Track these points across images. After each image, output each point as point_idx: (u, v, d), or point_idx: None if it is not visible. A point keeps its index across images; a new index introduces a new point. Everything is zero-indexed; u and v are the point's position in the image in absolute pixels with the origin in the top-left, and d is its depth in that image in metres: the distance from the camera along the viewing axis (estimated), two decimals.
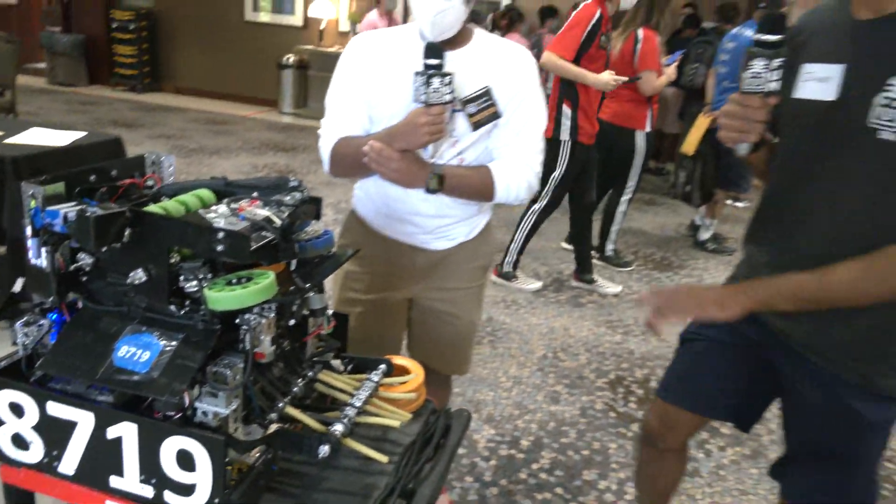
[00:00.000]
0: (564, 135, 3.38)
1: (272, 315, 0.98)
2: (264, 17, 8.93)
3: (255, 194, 1.09)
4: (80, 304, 1.01)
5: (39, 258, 0.96)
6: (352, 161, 1.48)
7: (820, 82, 1.12)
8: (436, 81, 1.34)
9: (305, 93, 8.74)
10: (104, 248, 0.93)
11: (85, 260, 0.98)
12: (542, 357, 2.99)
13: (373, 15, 6.17)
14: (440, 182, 1.43)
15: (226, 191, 1.16)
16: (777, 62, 1.05)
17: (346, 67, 1.52)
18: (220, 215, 1.04)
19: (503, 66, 1.48)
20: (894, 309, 1.12)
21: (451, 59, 1.41)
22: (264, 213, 1.02)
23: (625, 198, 3.98)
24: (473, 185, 1.50)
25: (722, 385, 1.43)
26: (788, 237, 1.22)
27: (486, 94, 1.44)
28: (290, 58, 8.44)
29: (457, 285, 1.68)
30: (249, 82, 9.08)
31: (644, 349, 3.15)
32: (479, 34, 1.53)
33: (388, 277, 1.64)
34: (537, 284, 3.76)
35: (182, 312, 0.96)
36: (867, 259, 1.05)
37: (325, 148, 1.54)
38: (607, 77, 3.25)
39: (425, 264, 1.63)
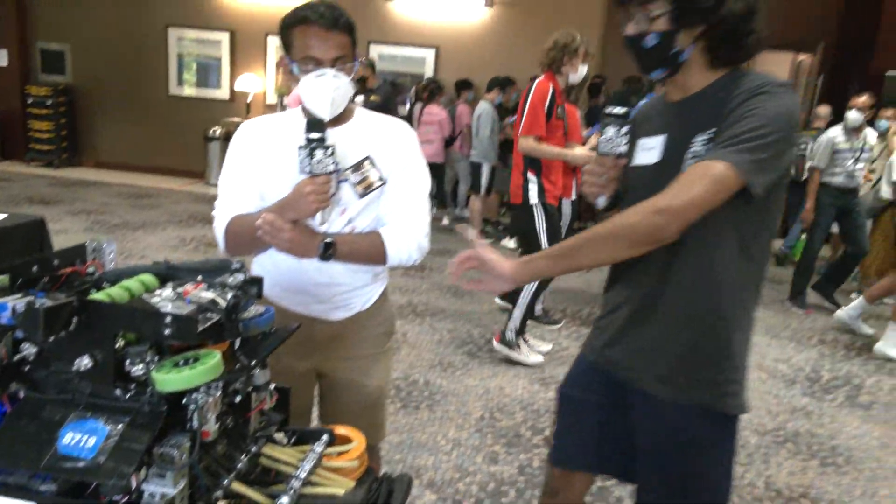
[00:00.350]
0: (534, 199, 3.59)
1: (218, 393, 1.03)
2: (189, 91, 8.97)
3: (199, 277, 1.15)
4: (21, 394, 1.02)
5: None
6: (245, 237, 1.54)
7: (648, 151, 1.37)
8: (319, 153, 1.44)
9: None
10: (49, 339, 0.96)
11: (28, 350, 1.00)
12: (480, 418, 3.05)
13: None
14: (332, 248, 1.50)
15: (168, 274, 1.22)
16: (625, 129, 1.33)
17: (235, 152, 1.60)
18: (164, 299, 1.08)
19: (384, 137, 1.60)
20: (712, 329, 1.29)
21: (335, 134, 1.52)
22: (209, 295, 1.08)
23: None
24: (364, 250, 1.58)
25: (596, 442, 1.50)
26: (634, 277, 1.40)
27: (368, 161, 1.55)
28: (217, 130, 8.47)
29: (361, 353, 1.72)
30: (175, 155, 9.01)
31: None
32: (360, 112, 1.65)
33: (290, 349, 1.60)
34: (539, 357, 3.78)
35: (128, 396, 0.99)
36: (593, 231, 1.27)
37: (220, 228, 1.60)
38: (582, 153, 3.51)
39: (326, 335, 1.68)
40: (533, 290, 3.67)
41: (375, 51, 8.10)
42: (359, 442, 1.29)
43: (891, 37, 7.33)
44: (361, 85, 6.60)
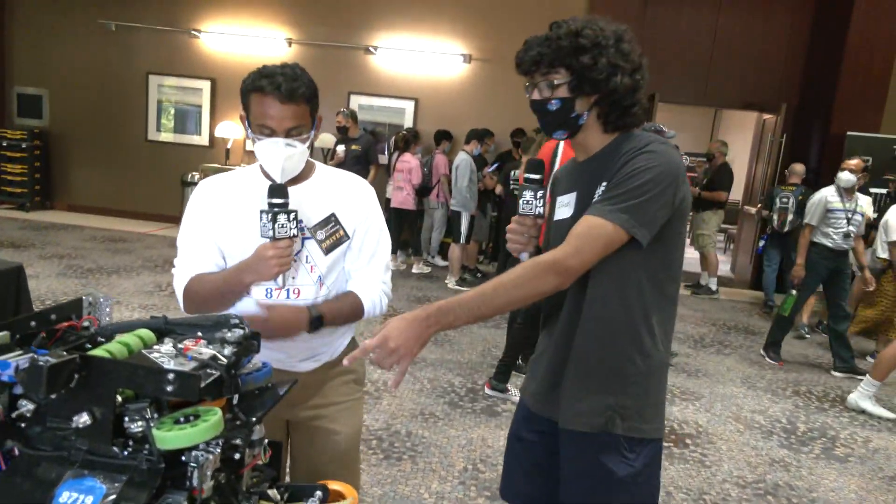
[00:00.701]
0: None
1: (218, 451, 1.02)
2: (168, 136, 8.99)
3: (199, 333, 1.15)
4: (16, 452, 1.00)
5: None
6: (205, 296, 1.56)
7: (564, 207, 1.52)
8: (282, 218, 1.45)
9: None
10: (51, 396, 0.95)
11: (26, 407, 0.99)
12: (463, 469, 3.02)
13: None
14: (321, 320, 1.54)
15: (166, 329, 1.21)
16: (540, 193, 1.47)
17: (194, 210, 1.61)
18: (164, 355, 1.08)
19: (345, 194, 1.63)
20: (624, 360, 1.41)
21: (297, 192, 1.54)
22: (210, 351, 1.08)
23: None
24: (346, 312, 1.63)
25: (536, 478, 1.60)
26: (552, 322, 1.53)
27: (332, 219, 1.59)
28: (196, 175, 8.47)
29: (331, 401, 1.72)
30: (150, 199, 8.95)
31: None
32: (320, 169, 1.67)
33: None
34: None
35: (125, 453, 0.98)
36: (514, 269, 1.35)
37: (179, 287, 1.59)
38: None
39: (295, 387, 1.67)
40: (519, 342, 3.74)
41: (356, 101, 8.25)
42: (352, 499, 1.28)
43: (848, 100, 7.72)
44: (343, 134, 6.71)
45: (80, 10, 8.71)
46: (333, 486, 1.30)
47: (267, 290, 1.58)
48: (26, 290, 2.92)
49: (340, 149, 6.84)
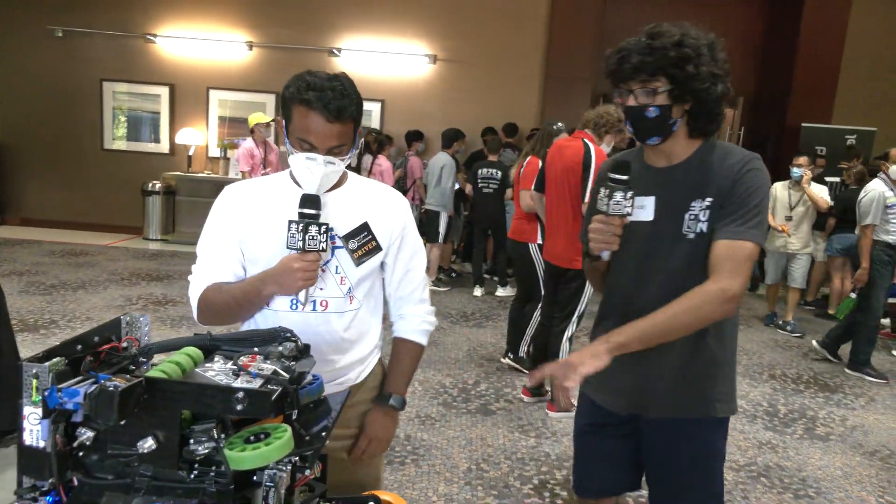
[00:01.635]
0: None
1: (289, 468, 0.99)
2: (125, 145, 8.71)
3: (255, 350, 1.12)
4: (75, 482, 0.95)
5: (41, 440, 0.92)
6: (221, 306, 1.47)
7: (641, 209, 1.54)
8: (313, 229, 1.37)
9: (174, 218, 8.50)
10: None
11: (86, 434, 0.95)
12: (467, 470, 3.02)
13: (248, 143, 6.28)
14: (404, 402, 1.60)
15: (211, 345, 1.18)
16: (630, 194, 1.46)
17: (217, 216, 1.52)
18: (219, 373, 1.05)
19: (380, 205, 1.56)
20: (714, 349, 1.54)
21: (329, 199, 1.48)
22: (270, 366, 1.05)
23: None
24: (413, 367, 1.67)
25: (612, 469, 1.73)
26: (638, 316, 1.52)
27: (365, 228, 1.51)
28: (157, 184, 8.24)
29: (350, 431, 1.62)
30: (110, 211, 8.67)
31: (558, 450, 3.29)
32: (353, 178, 1.60)
33: None
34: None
35: (192, 476, 0.95)
36: (682, 299, 1.42)
37: (194, 295, 1.50)
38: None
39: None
40: (568, 353, 3.68)
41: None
42: None
43: (802, 94, 8.02)
44: None
45: (28, 16, 8.36)
46: (385, 496, 1.29)
47: (292, 300, 1.50)
48: (6, 313, 2.79)
49: None
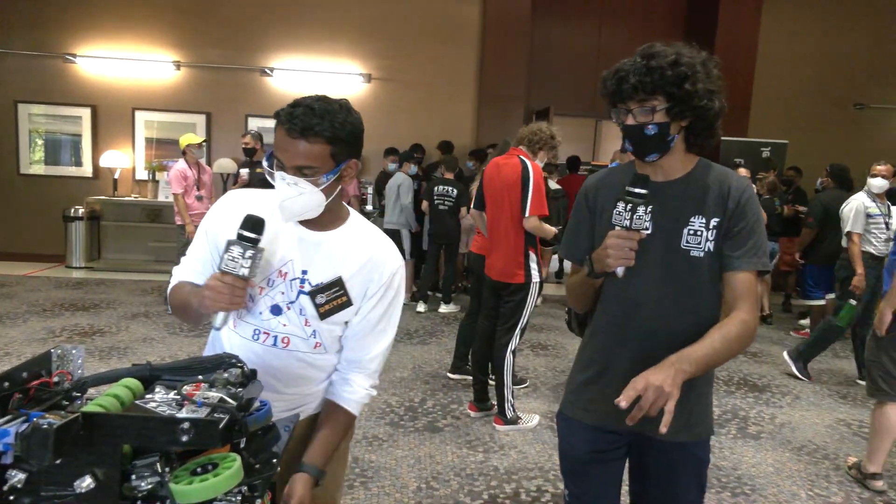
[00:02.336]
0: (536, 277, 3.67)
1: (239, 499, 0.96)
2: (44, 169, 8.27)
3: (199, 378, 1.08)
4: None
5: None
6: (176, 304, 1.49)
7: None
8: (235, 250, 1.28)
9: (98, 245, 8.12)
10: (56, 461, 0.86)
11: (17, 477, 0.89)
12: (417, 489, 2.99)
13: (181, 164, 6.09)
14: (321, 476, 1.44)
15: (151, 376, 1.13)
16: (650, 208, 1.47)
17: (208, 218, 1.53)
18: (161, 403, 1.01)
19: (368, 257, 1.48)
20: (710, 375, 1.60)
21: (321, 239, 1.44)
22: (216, 394, 1.02)
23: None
24: (341, 440, 1.54)
25: (618, 490, 1.72)
26: (634, 335, 1.57)
27: (337, 284, 1.44)
28: (80, 209, 7.86)
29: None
30: (30, 238, 8.20)
31: (507, 463, 3.31)
32: (354, 219, 1.53)
33: None
34: (536, 417, 3.88)
35: None
36: (725, 328, 1.45)
37: (169, 288, 1.54)
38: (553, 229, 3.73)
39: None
40: (512, 365, 3.73)
41: (254, 123, 8.00)
42: None
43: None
44: (250, 157, 6.49)
45: None
46: None
47: (255, 330, 1.46)
48: None
49: (244, 172, 6.61)
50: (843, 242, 5.05)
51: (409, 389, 4.30)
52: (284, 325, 1.45)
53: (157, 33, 8.13)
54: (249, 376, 1.12)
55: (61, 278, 7.34)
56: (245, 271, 1.28)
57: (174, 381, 1.10)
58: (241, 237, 1.30)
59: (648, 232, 1.49)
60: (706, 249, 1.51)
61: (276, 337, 1.46)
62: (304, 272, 1.44)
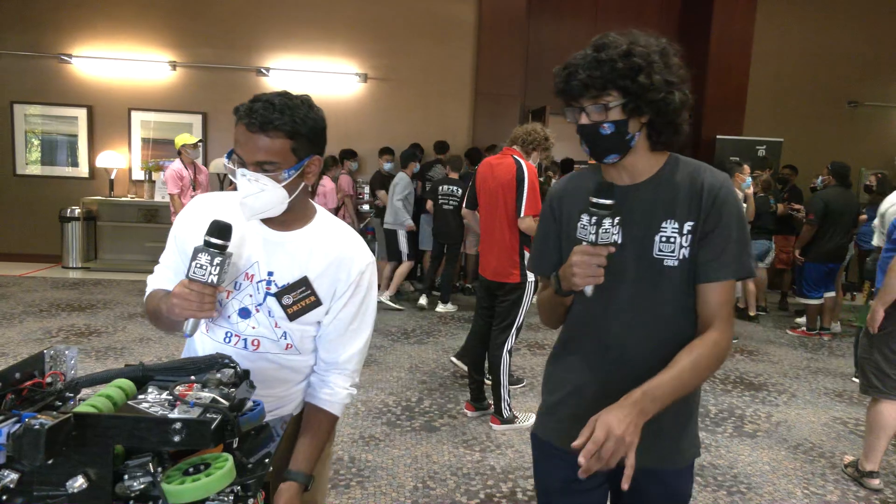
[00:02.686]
0: (531, 276, 3.66)
1: (232, 499, 0.97)
2: (40, 170, 8.25)
3: (192, 378, 1.08)
4: None
5: None
6: (150, 312, 1.48)
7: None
8: (203, 257, 1.26)
9: (95, 245, 8.12)
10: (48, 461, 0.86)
11: (9, 477, 0.89)
12: (413, 489, 2.99)
13: (176, 164, 6.09)
14: (311, 479, 1.43)
15: (144, 376, 1.13)
16: (617, 220, 1.31)
17: (176, 223, 1.51)
18: (154, 404, 1.02)
19: (336, 255, 1.46)
20: (694, 396, 1.46)
21: (285, 240, 1.43)
22: (209, 394, 1.02)
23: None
24: (324, 440, 1.51)
25: None
26: (606, 353, 1.44)
27: (303, 283, 1.42)
28: (76, 209, 7.85)
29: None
30: (25, 239, 8.19)
31: (503, 463, 3.31)
32: (322, 217, 1.51)
33: None
34: (533, 416, 3.79)
35: None
36: (695, 353, 1.31)
37: (145, 296, 1.53)
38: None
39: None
40: (508, 365, 3.74)
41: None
42: None
43: (714, 106, 8.51)
44: None
45: None
46: None
47: (227, 333, 1.46)
48: None
49: None
50: (876, 241, 4.63)
51: (406, 389, 4.31)
52: (254, 328, 1.44)
53: (152, 33, 8.12)
54: (242, 376, 1.12)
55: (58, 279, 7.33)
56: (213, 278, 1.26)
57: (167, 382, 1.10)
58: (207, 244, 1.28)
59: (617, 245, 1.35)
60: (681, 257, 1.36)
61: (245, 340, 1.45)
62: (270, 273, 1.42)
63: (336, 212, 7.12)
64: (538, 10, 8.73)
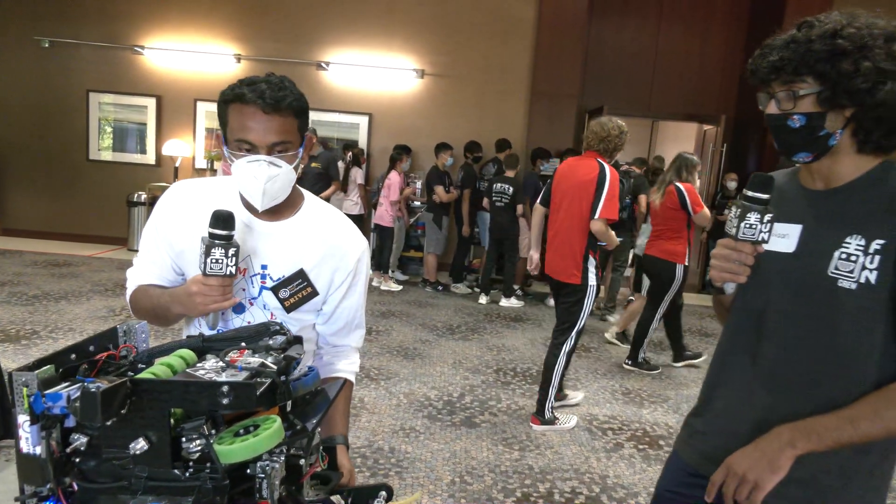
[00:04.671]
0: (592, 280, 3.66)
1: (283, 459, 1.01)
2: (111, 156, 8.66)
3: (242, 344, 1.13)
4: (74, 487, 0.96)
5: (34, 446, 0.93)
6: (144, 311, 1.44)
7: (781, 238, 1.26)
8: (217, 252, 1.25)
9: None
10: (108, 423, 0.92)
11: (80, 440, 0.96)
12: (451, 483, 3.02)
13: None
14: (346, 441, 1.45)
15: (204, 347, 1.19)
16: (768, 217, 1.18)
17: (156, 214, 1.46)
18: (209, 371, 1.07)
19: (328, 247, 1.44)
20: (865, 461, 1.20)
21: (274, 230, 1.40)
22: (257, 360, 1.07)
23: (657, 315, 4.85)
24: (348, 407, 1.54)
25: None
26: (758, 369, 1.28)
27: (299, 276, 1.41)
28: (142, 195, 8.21)
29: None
30: (95, 221, 8.61)
31: (542, 463, 3.31)
32: (310, 204, 1.47)
33: None
34: (574, 419, 3.86)
35: (187, 474, 0.96)
36: (883, 398, 1.13)
37: (128, 293, 1.50)
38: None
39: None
40: (563, 367, 3.74)
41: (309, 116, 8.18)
42: (419, 493, 1.27)
43: None
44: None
45: (15, 27, 8.33)
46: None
47: (219, 330, 1.40)
48: None
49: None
50: None
51: (448, 384, 4.34)
52: (248, 322, 1.42)
53: (220, 26, 8.40)
54: (293, 342, 1.17)
55: (123, 260, 7.68)
56: (231, 269, 1.26)
57: (226, 351, 1.16)
58: (215, 236, 1.26)
59: (767, 246, 1.21)
60: (861, 280, 1.14)
61: None
62: (264, 267, 1.40)
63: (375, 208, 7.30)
64: (601, 10, 8.61)
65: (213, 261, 1.25)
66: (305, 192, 1.50)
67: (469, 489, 2.98)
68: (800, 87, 1.15)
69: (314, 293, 1.43)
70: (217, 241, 1.25)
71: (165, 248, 1.44)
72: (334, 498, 1.18)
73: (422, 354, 4.91)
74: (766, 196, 1.17)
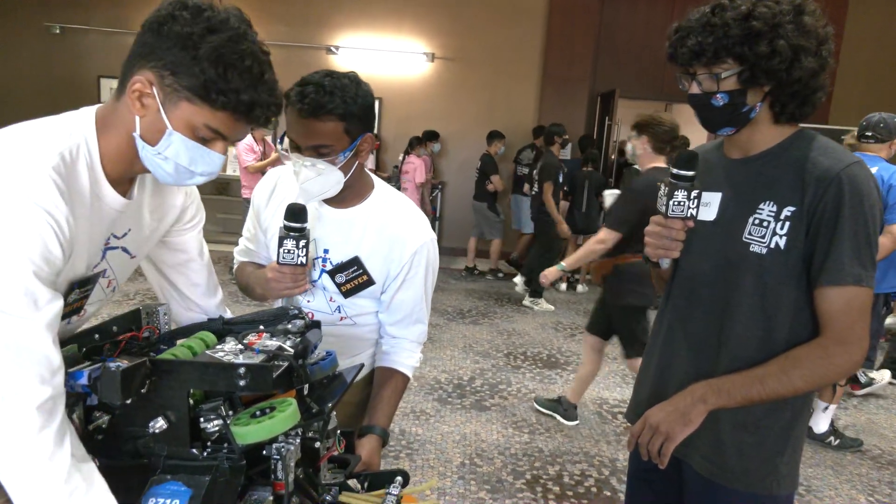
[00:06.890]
0: None
1: (298, 441, 1.03)
2: None
3: (261, 328, 1.15)
4: (97, 463, 0.98)
5: None
6: (241, 286, 1.59)
7: (704, 207, 1.31)
8: (289, 243, 1.33)
9: None
10: (128, 401, 0.93)
11: (102, 418, 0.98)
12: (461, 465, 3.05)
13: (248, 138, 6.29)
14: (387, 434, 1.48)
15: (224, 329, 1.21)
16: (695, 193, 1.23)
17: (253, 196, 1.60)
18: (228, 353, 1.08)
19: (390, 235, 1.46)
20: (779, 418, 1.27)
21: (339, 217, 1.46)
22: (275, 343, 1.09)
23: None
24: (398, 400, 1.55)
25: None
26: (690, 336, 1.35)
27: (355, 262, 1.45)
28: None
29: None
30: None
31: (551, 446, 3.33)
32: (381, 191, 1.51)
33: None
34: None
35: (205, 454, 0.98)
36: (791, 354, 1.19)
37: (234, 268, 1.67)
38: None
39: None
40: None
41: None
42: (434, 480, 1.29)
43: None
44: None
45: (26, 13, 8.36)
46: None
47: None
48: None
49: None
50: None
51: (458, 367, 4.36)
52: (308, 302, 1.52)
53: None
54: (311, 326, 1.18)
55: None
56: (303, 259, 1.35)
57: (245, 334, 1.17)
58: (289, 228, 1.33)
59: (692, 220, 1.26)
60: (771, 245, 1.20)
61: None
62: (326, 251, 1.47)
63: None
64: None
65: (286, 251, 1.34)
66: (378, 181, 1.53)
67: (479, 471, 3.00)
68: (721, 70, 1.19)
69: (370, 281, 1.47)
70: (290, 233, 1.33)
71: (260, 226, 1.57)
72: (351, 482, 1.19)
73: (432, 338, 4.93)
74: (691, 173, 1.23)
